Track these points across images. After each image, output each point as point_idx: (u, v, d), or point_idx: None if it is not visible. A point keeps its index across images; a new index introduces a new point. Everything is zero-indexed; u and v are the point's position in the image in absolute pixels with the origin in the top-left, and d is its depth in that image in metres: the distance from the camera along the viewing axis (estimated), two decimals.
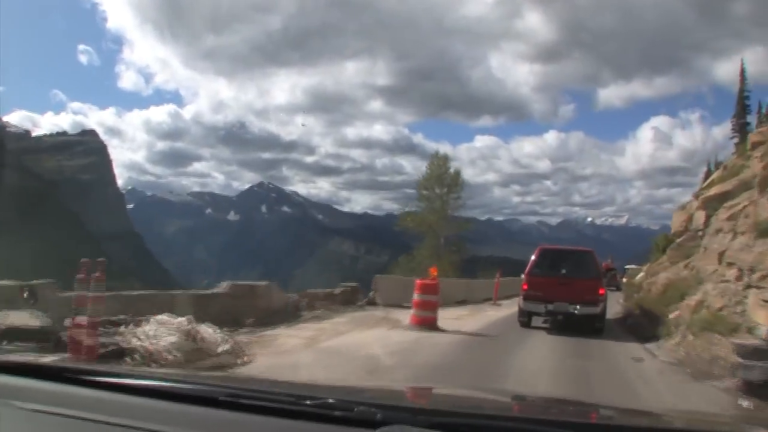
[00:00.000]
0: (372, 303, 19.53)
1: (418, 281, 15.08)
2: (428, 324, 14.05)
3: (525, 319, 16.18)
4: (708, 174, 60.99)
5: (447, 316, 15.94)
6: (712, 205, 21.09)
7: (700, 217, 22.54)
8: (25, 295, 8.56)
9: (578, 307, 15.05)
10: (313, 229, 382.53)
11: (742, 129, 54.36)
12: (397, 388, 3.62)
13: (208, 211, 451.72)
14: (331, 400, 1.77)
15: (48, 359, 3.16)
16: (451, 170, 51.67)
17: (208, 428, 1.74)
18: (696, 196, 28.85)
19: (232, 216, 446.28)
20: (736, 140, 53.77)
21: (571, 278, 15.58)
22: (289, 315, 14.61)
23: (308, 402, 1.76)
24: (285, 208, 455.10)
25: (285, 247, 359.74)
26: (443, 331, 14.03)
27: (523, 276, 17.20)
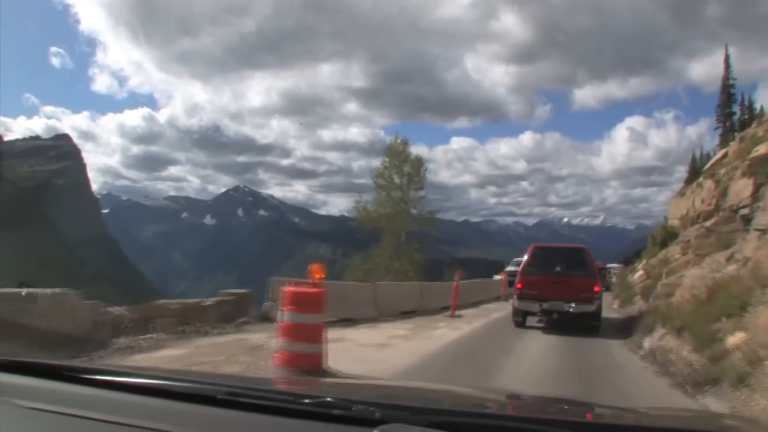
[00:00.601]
0: (266, 318, 13.73)
1: (287, 289, 8.74)
2: (305, 365, 8.00)
3: (519, 318, 15.90)
4: (693, 165, 60.71)
5: (370, 339, 12.39)
6: (764, 169, 15.98)
7: (743, 187, 16.70)
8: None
9: (573, 305, 14.83)
10: (290, 233, 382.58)
11: (728, 118, 53.33)
12: (396, 386, 3.57)
13: (184, 215, 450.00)
14: (329, 399, 1.77)
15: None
16: (412, 156, 44.57)
17: (207, 427, 1.74)
18: (710, 174, 24.25)
19: (208, 220, 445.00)
20: (720, 130, 53.72)
21: (565, 276, 15.33)
22: (91, 343, 9.38)
23: (307, 401, 1.77)
24: (261, 212, 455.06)
25: (262, 250, 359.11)
26: (333, 374, 8.03)
27: (498, 276, 17.19)
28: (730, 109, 54.79)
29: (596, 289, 15.30)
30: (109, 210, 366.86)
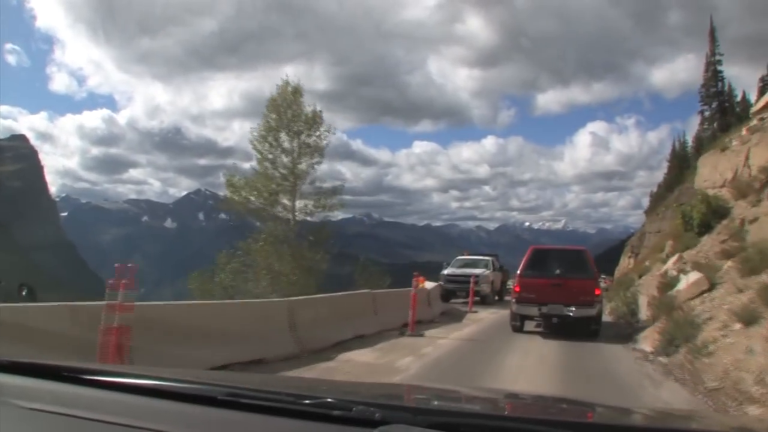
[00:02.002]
0: None
1: None
2: None
3: (518, 323, 15.51)
4: (673, 154, 60.24)
5: None
6: None
7: None
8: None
9: (573, 308, 14.49)
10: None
11: (713, 98, 50.02)
12: (396, 387, 3.58)
13: (145, 218, 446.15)
14: (330, 400, 1.74)
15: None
16: (308, 111, 30.56)
17: (207, 427, 1.72)
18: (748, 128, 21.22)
19: (169, 224, 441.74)
20: (707, 111, 51.39)
21: (565, 279, 14.86)
22: None
23: (307, 401, 1.74)
24: (222, 216, 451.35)
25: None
26: None
27: (425, 285, 17.04)
28: (717, 87, 51.20)
29: (597, 292, 14.99)
30: (67, 213, 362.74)
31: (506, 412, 2.31)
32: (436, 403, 2.42)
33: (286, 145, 30.26)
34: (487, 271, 27.34)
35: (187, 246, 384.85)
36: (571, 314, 14.53)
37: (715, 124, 48.93)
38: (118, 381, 1.98)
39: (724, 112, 49.09)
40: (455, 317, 19.95)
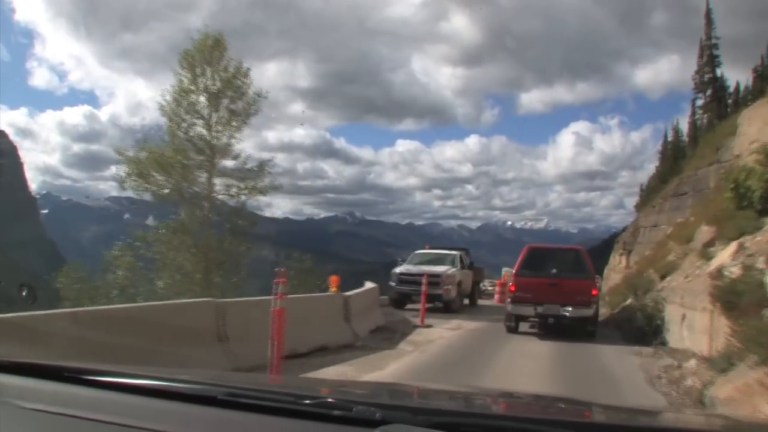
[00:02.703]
0: None
1: None
2: None
3: (512, 323, 15.44)
4: (665, 145, 56.14)
5: None
6: None
7: None
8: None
9: (570, 309, 14.40)
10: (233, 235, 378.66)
11: (709, 84, 45.85)
12: (396, 387, 3.59)
13: (126, 216, 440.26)
14: (330, 400, 1.76)
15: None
16: (230, 66, 25.16)
17: (207, 427, 1.73)
18: None
19: (150, 221, 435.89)
20: (701, 99, 46.92)
21: (561, 278, 14.81)
22: None
23: (307, 401, 1.75)
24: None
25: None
26: None
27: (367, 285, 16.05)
28: (713, 73, 46.34)
29: (594, 292, 14.91)
30: (48, 210, 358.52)
31: (506, 412, 2.32)
32: (436, 402, 2.47)
33: (205, 111, 24.92)
34: (453, 269, 21.26)
35: None
36: (567, 314, 14.44)
37: (709, 113, 46.40)
38: (119, 381, 2.00)
39: (720, 100, 46.17)
40: (392, 337, 14.55)
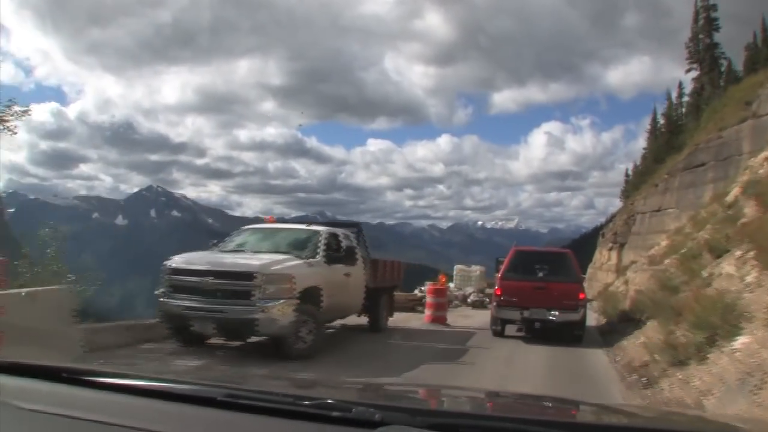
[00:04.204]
0: None
1: None
2: None
3: (498, 327, 15.08)
4: (654, 126, 52.76)
5: None
6: None
7: None
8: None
9: (556, 313, 14.21)
10: (204, 235, 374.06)
11: (705, 53, 42.33)
12: (396, 387, 3.52)
13: (95, 215, 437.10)
14: (329, 401, 1.76)
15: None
16: None
17: (206, 428, 1.73)
18: None
19: (120, 221, 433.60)
20: (696, 70, 43.95)
21: (548, 282, 14.58)
22: None
23: (306, 402, 1.75)
24: (175, 213, 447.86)
25: (175, 252, 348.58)
26: None
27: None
28: (711, 39, 42.63)
29: (581, 296, 14.68)
30: (14, 210, 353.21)
31: (505, 413, 2.31)
32: (435, 403, 2.51)
33: None
34: (299, 262, 10.72)
35: (138, 243, 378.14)
36: (553, 319, 14.24)
37: (710, 79, 42.58)
38: (117, 382, 2.00)
39: (718, 68, 42.66)
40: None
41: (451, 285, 28.17)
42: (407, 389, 3.18)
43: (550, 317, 14.21)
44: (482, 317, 17.82)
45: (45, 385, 1.97)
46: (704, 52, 42.54)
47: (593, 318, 18.20)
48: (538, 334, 14.48)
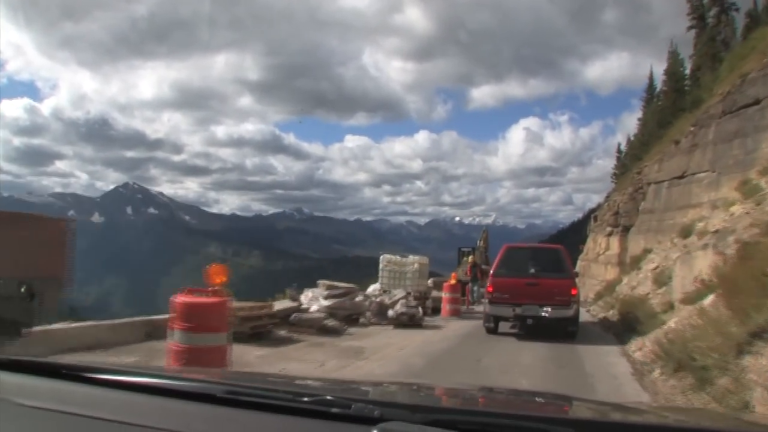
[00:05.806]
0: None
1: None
2: None
3: (492, 324, 15.04)
4: (650, 88, 47.82)
5: None
6: None
7: None
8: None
9: (549, 309, 14.11)
10: (181, 232, 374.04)
11: (711, 4, 38.74)
12: (395, 384, 3.48)
13: (71, 213, 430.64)
14: (329, 397, 1.77)
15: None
16: None
17: (206, 425, 1.73)
18: None
19: (96, 218, 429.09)
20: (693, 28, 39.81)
21: (540, 278, 14.51)
22: None
23: (306, 399, 1.76)
24: (151, 210, 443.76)
25: (151, 250, 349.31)
26: None
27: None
28: (722, 5, 38.68)
29: (574, 292, 14.60)
30: None
31: (505, 409, 2.27)
32: (434, 400, 2.51)
33: None
34: None
35: (114, 241, 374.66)
36: (546, 315, 14.16)
37: (726, 27, 38.66)
38: (118, 379, 2.01)
39: (726, 19, 38.69)
40: None
41: (374, 287, 20.54)
42: (406, 386, 3.17)
43: (543, 313, 14.18)
44: (406, 353, 11.67)
45: (45, 381, 1.98)
46: (711, 1, 39.79)
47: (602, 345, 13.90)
48: (531, 330, 14.52)
